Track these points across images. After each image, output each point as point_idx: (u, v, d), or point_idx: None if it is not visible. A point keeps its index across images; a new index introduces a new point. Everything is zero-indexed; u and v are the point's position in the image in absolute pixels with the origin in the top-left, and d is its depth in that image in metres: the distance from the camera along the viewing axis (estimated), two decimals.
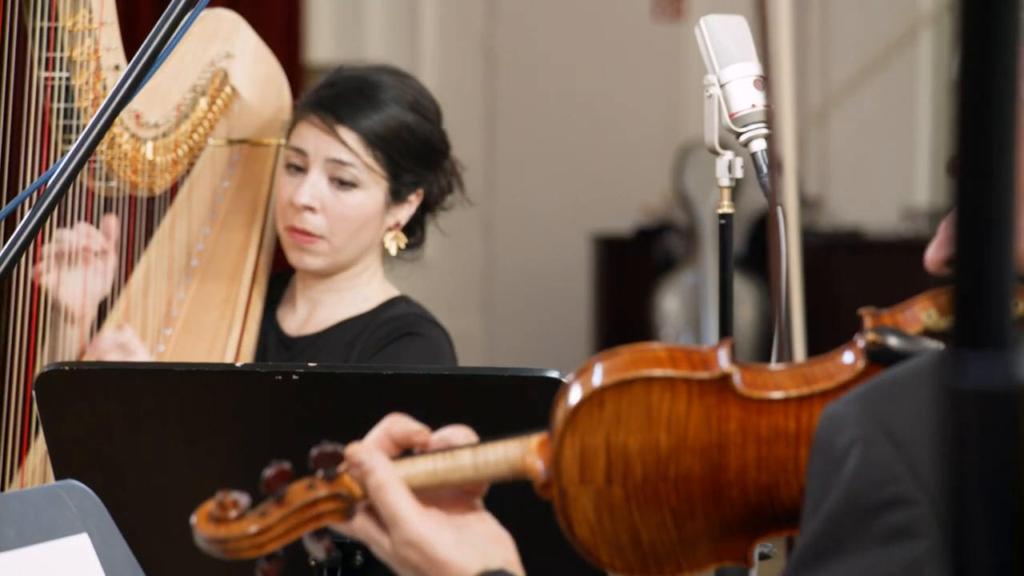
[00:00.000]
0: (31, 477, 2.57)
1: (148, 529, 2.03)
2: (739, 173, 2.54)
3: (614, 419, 1.30)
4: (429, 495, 1.37)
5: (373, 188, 2.60)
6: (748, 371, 1.32)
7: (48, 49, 2.51)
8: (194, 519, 1.37)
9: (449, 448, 1.38)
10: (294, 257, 2.64)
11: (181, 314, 2.70)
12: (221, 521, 1.36)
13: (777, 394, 1.30)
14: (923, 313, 1.32)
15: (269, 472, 1.36)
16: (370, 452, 1.37)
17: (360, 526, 1.38)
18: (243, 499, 1.37)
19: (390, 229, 2.67)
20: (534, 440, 1.35)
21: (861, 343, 1.32)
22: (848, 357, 1.33)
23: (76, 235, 2.59)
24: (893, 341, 1.31)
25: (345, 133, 2.58)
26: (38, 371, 2.49)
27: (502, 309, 8.84)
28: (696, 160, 7.77)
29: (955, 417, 0.84)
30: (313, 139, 2.59)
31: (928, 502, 1.18)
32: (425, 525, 1.34)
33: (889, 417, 1.20)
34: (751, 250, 7.90)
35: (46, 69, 2.52)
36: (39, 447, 2.57)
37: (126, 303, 2.69)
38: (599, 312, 8.39)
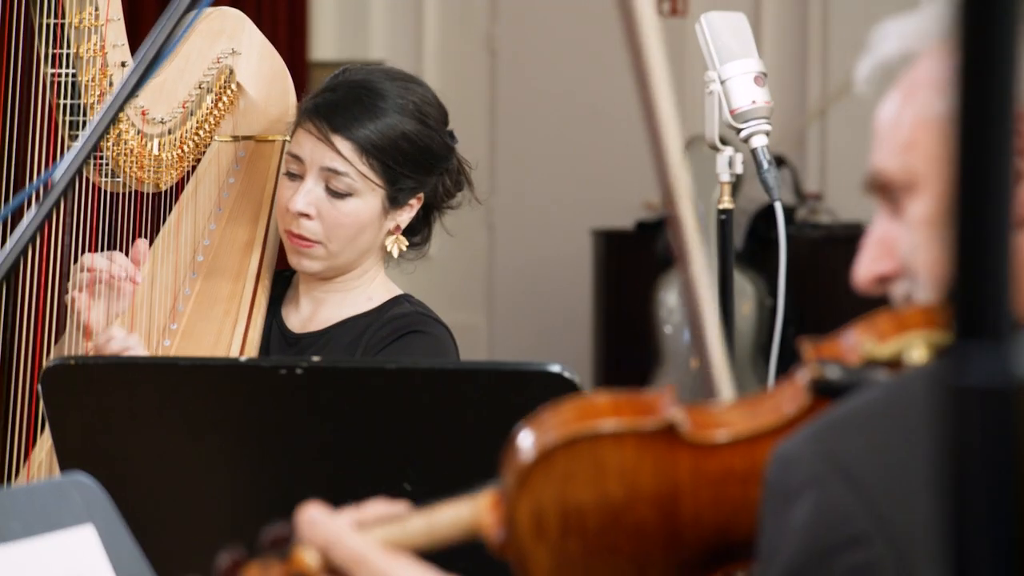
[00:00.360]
0: (37, 471, 2.57)
1: (153, 522, 2.04)
2: (739, 169, 2.56)
3: (565, 477, 1.29)
4: None
5: (369, 196, 2.60)
6: (694, 413, 1.31)
7: (54, 46, 2.52)
8: None
9: (398, 516, 1.36)
10: (293, 260, 2.66)
11: (186, 309, 2.71)
12: None
13: (725, 435, 1.29)
14: (864, 341, 1.30)
15: (224, 563, 1.35)
16: (317, 516, 1.35)
17: None
18: None
19: (391, 232, 2.67)
20: (483, 500, 1.34)
21: (804, 377, 1.30)
22: (792, 391, 1.31)
23: (106, 263, 2.60)
24: (835, 374, 1.29)
25: (340, 142, 2.57)
26: (44, 366, 2.50)
27: (505, 303, 8.84)
28: (697, 156, 7.77)
29: (954, 414, 0.84)
30: (309, 147, 2.59)
31: (885, 540, 1.16)
32: (392, 556, 1.33)
33: (842, 455, 1.19)
34: (751, 245, 7.90)
35: (52, 66, 2.53)
36: (45, 441, 2.58)
37: (132, 298, 2.70)
38: (601, 306, 8.39)
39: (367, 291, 2.69)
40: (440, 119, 2.67)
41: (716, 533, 1.30)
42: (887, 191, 1.39)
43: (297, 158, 2.60)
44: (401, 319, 2.65)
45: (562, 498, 1.29)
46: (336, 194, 2.58)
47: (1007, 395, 0.83)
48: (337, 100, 2.59)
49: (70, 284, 2.61)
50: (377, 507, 1.38)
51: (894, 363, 1.28)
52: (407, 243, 2.70)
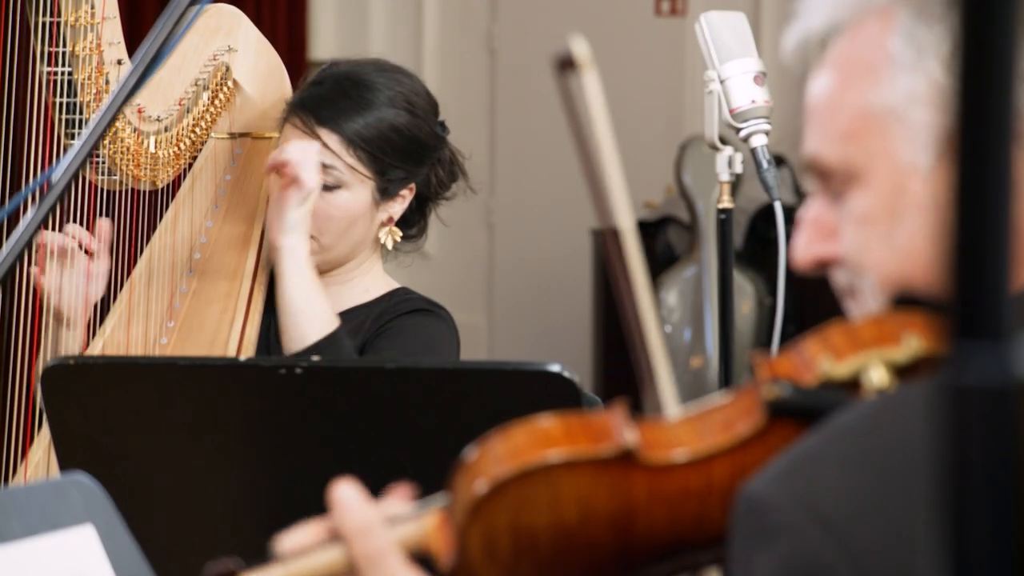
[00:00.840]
0: (34, 470, 2.57)
1: (153, 521, 2.04)
2: (739, 168, 2.56)
3: (517, 505, 1.27)
4: None
5: (358, 188, 2.59)
6: (647, 431, 1.29)
7: (50, 44, 2.52)
8: None
9: (338, 539, 1.34)
10: None
11: (184, 306, 2.71)
12: None
13: (679, 455, 1.27)
14: (818, 360, 1.28)
15: (212, 572, 1.34)
16: (356, 499, 1.33)
17: None
18: None
19: (384, 224, 2.66)
20: (429, 520, 1.32)
21: (759, 396, 1.28)
22: (746, 407, 1.29)
23: (60, 236, 2.59)
24: (792, 397, 1.27)
25: (326, 135, 2.57)
26: (40, 365, 2.50)
27: (505, 303, 8.85)
28: (696, 155, 7.77)
29: (954, 414, 0.84)
30: (296, 141, 2.59)
31: None
32: (410, 564, 1.31)
33: (815, 499, 1.15)
34: (750, 244, 7.91)
35: (48, 64, 2.53)
36: (43, 440, 2.57)
37: (129, 295, 2.70)
38: (601, 305, 8.39)
39: (363, 283, 2.69)
40: (430, 110, 2.67)
41: (670, 544, 1.29)
42: (824, 177, 1.37)
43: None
44: (409, 301, 2.66)
45: (515, 524, 1.28)
46: (325, 187, 2.57)
47: (1007, 395, 0.83)
48: (323, 93, 2.60)
49: (35, 268, 2.61)
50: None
51: (851, 384, 1.26)
52: (401, 234, 2.70)
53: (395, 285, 2.73)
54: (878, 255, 1.33)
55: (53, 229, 2.58)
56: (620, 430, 1.28)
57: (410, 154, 2.62)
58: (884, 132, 1.32)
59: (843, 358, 1.27)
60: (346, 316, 2.66)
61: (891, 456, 1.15)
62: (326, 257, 2.63)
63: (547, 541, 1.28)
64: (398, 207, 2.65)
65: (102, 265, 2.63)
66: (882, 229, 1.32)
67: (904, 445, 1.14)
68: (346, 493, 1.33)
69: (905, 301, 1.28)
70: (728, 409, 1.30)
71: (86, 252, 2.61)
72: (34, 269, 2.59)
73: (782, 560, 1.15)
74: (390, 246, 2.69)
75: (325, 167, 2.57)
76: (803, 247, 1.38)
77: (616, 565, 1.29)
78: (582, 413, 1.32)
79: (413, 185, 2.65)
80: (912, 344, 1.25)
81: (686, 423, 1.30)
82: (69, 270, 2.60)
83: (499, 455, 1.29)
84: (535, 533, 1.28)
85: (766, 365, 1.29)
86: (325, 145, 2.57)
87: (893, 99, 1.32)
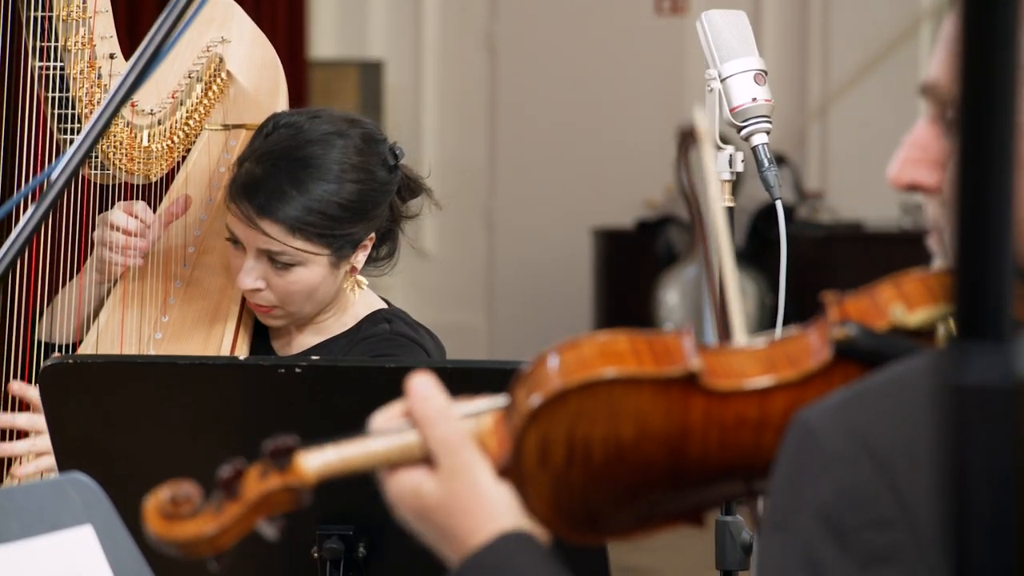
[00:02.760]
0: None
1: None
2: (739, 167, 2.55)
3: (577, 415, 1.29)
4: None
5: (313, 262, 2.52)
6: (712, 356, 1.31)
7: (42, 39, 2.51)
8: (146, 512, 1.34)
9: (400, 429, 1.37)
10: (259, 317, 2.63)
11: (178, 301, 2.70)
12: (175, 519, 1.34)
13: (742, 384, 1.29)
14: (891, 307, 1.29)
15: (227, 472, 1.35)
16: (434, 389, 1.35)
17: (401, 475, 1.35)
18: (195, 493, 1.35)
19: (348, 274, 2.61)
20: (488, 421, 1.35)
21: (827, 333, 1.29)
22: (815, 344, 1.30)
23: (134, 223, 2.61)
24: (861, 339, 1.28)
25: (268, 226, 2.49)
26: (43, 365, 2.49)
27: (505, 303, 8.85)
28: (697, 154, 7.77)
29: (955, 412, 0.84)
30: (241, 230, 2.52)
31: (907, 525, 1.15)
32: (481, 455, 1.34)
33: (870, 434, 1.17)
34: (751, 243, 7.91)
35: (40, 59, 2.52)
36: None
37: (123, 289, 2.69)
38: (601, 305, 8.40)
39: (341, 319, 2.65)
40: (379, 160, 2.57)
41: (720, 471, 1.31)
42: (942, 105, 1.35)
43: (234, 235, 2.55)
44: (370, 341, 2.61)
45: (572, 433, 1.30)
46: (279, 266, 2.52)
47: (1007, 394, 0.83)
48: (261, 177, 2.50)
49: (98, 241, 2.60)
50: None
51: (922, 334, 1.27)
52: (365, 283, 2.65)
53: (376, 306, 2.67)
54: None
55: (48, 227, 2.57)
56: (687, 353, 1.30)
57: (361, 218, 2.54)
58: None
59: (916, 308, 1.28)
60: (324, 348, 2.63)
61: None
62: (296, 318, 2.60)
63: (600, 453, 1.30)
64: (361, 257, 2.58)
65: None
66: None
67: None
68: (420, 381, 1.36)
69: None
70: (795, 344, 1.31)
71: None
72: (110, 255, 2.60)
73: (834, 489, 1.16)
74: (356, 295, 2.63)
75: (273, 252, 2.51)
76: (900, 167, 1.35)
77: (664, 483, 1.31)
78: (651, 332, 1.33)
79: (371, 236, 2.58)
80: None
81: (752, 353, 1.32)
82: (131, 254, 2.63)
83: (565, 365, 1.30)
84: (590, 444, 1.30)
85: (837, 305, 1.30)
86: (268, 235, 2.50)
87: None
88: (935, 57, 1.36)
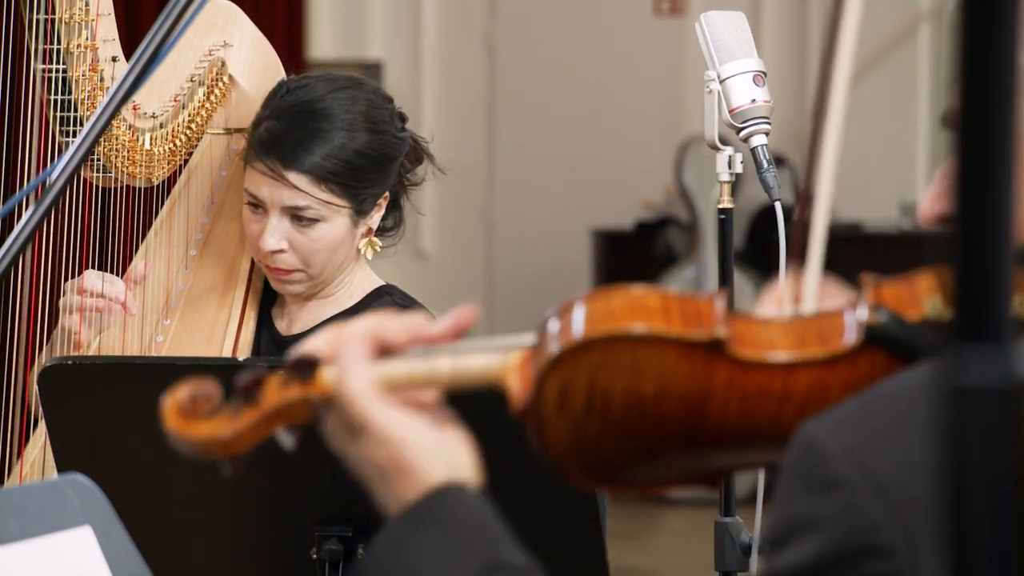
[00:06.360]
0: (30, 468, 2.57)
1: (150, 522, 2.04)
2: (739, 168, 2.55)
3: (599, 365, 1.30)
4: (402, 397, 1.36)
5: (335, 217, 2.56)
6: (741, 325, 1.30)
7: (45, 41, 2.51)
8: (164, 407, 1.36)
9: (428, 353, 1.37)
10: (276, 286, 2.64)
11: (179, 304, 2.70)
12: (192, 417, 1.35)
13: (768, 356, 1.29)
14: (927, 298, 1.28)
15: (247, 378, 1.35)
16: (353, 356, 1.34)
17: (330, 426, 1.36)
18: (216, 394, 1.36)
19: (364, 235, 2.64)
20: (514, 357, 1.35)
21: (860, 316, 1.29)
22: (847, 323, 1.30)
23: (99, 284, 2.57)
24: (891, 329, 1.27)
25: (295, 177, 2.52)
26: (37, 364, 2.49)
27: (504, 303, 8.84)
28: (696, 155, 7.78)
29: (954, 414, 0.84)
30: (266, 188, 2.54)
31: (908, 552, 1.14)
32: (399, 425, 1.33)
33: (873, 460, 1.17)
34: (751, 245, 7.91)
35: (43, 61, 2.52)
36: (39, 438, 2.57)
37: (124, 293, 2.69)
38: None
39: (349, 290, 2.68)
40: (387, 112, 2.63)
41: (735, 437, 1.30)
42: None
43: (256, 197, 2.56)
44: (387, 303, 2.64)
45: (592, 382, 1.30)
46: (304, 222, 2.55)
47: (1007, 395, 0.83)
48: (283, 131, 2.54)
49: (62, 303, 2.59)
50: (395, 330, 1.37)
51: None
52: (380, 244, 2.68)
53: (378, 283, 2.71)
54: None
55: (48, 228, 2.57)
56: (717, 318, 1.30)
57: (380, 170, 2.59)
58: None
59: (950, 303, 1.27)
60: (331, 324, 2.64)
61: None
62: (315, 282, 2.62)
63: (620, 406, 1.30)
64: (376, 217, 2.63)
65: (133, 308, 2.63)
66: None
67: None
68: (352, 346, 1.35)
69: None
70: (829, 321, 1.30)
71: (122, 306, 2.60)
72: (69, 317, 2.58)
73: (837, 514, 1.16)
74: (369, 256, 2.67)
75: (299, 207, 2.54)
76: (929, 200, 1.36)
77: (681, 443, 1.31)
78: (684, 292, 1.33)
79: (387, 194, 2.63)
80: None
81: (784, 326, 1.31)
82: (106, 319, 2.60)
83: (594, 314, 1.31)
84: (610, 396, 1.30)
85: (874, 289, 1.30)
86: (296, 188, 2.53)
87: None
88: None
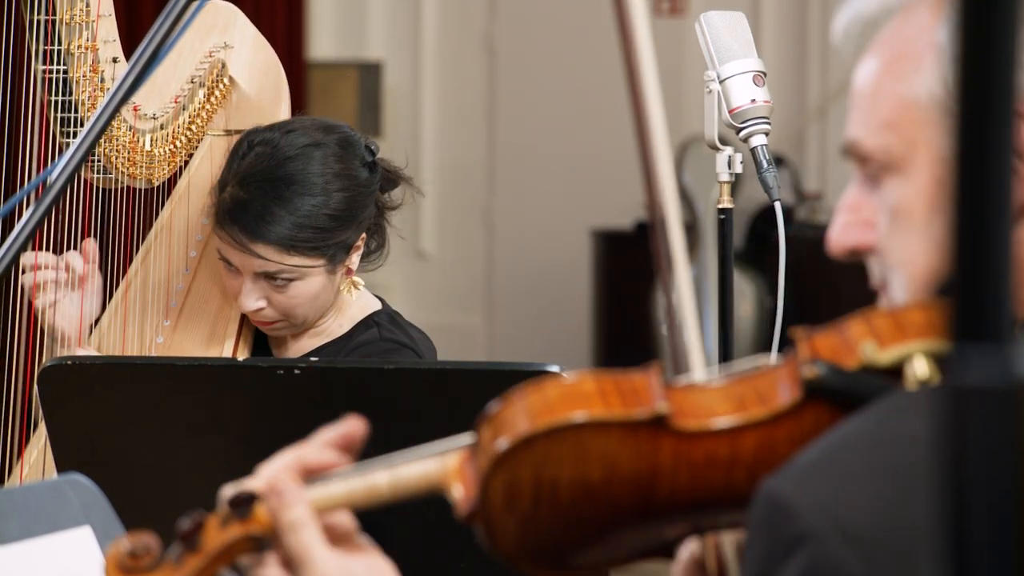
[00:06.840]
0: (30, 469, 2.57)
1: (150, 522, 2.04)
2: (738, 168, 2.55)
3: (543, 459, 1.28)
4: (333, 529, 1.34)
5: (310, 274, 2.54)
6: (680, 396, 1.29)
7: (46, 42, 2.52)
8: (105, 565, 1.33)
9: (362, 469, 1.35)
10: (262, 329, 2.65)
11: (179, 305, 2.71)
12: (134, 573, 1.33)
13: (712, 424, 1.27)
14: (862, 344, 1.26)
15: (187, 525, 1.34)
16: (289, 487, 1.33)
17: (267, 560, 1.34)
18: (154, 544, 1.34)
19: (345, 276, 2.62)
20: (452, 461, 1.33)
21: (798, 372, 1.27)
22: (783, 381, 1.28)
23: (49, 272, 2.57)
24: (831, 380, 1.26)
25: (262, 248, 2.50)
26: (41, 366, 2.49)
27: (504, 304, 8.84)
28: (696, 155, 7.78)
29: (954, 414, 0.84)
30: (235, 255, 2.53)
31: None
32: (335, 563, 1.32)
33: (839, 511, 1.15)
34: (750, 245, 7.91)
35: (44, 62, 2.53)
36: (39, 438, 2.57)
37: (125, 294, 2.69)
38: (600, 306, 8.39)
39: (339, 320, 2.66)
40: (359, 161, 2.57)
41: (689, 506, 1.29)
42: (864, 162, 1.36)
43: (227, 261, 2.55)
44: (359, 351, 2.61)
45: (538, 476, 1.28)
46: (279, 282, 2.53)
47: (1007, 395, 0.83)
48: (247, 201, 2.50)
49: (23, 280, 2.59)
50: (319, 451, 1.35)
51: (893, 372, 1.25)
52: (362, 283, 2.66)
53: (370, 309, 2.68)
54: (914, 247, 1.31)
55: (49, 229, 2.58)
56: (655, 394, 1.28)
57: (351, 220, 2.55)
58: (926, 123, 1.30)
59: (887, 345, 1.26)
60: (318, 353, 2.64)
61: (914, 468, 1.13)
62: (300, 327, 2.62)
63: (568, 494, 1.28)
64: (355, 258, 2.60)
65: (95, 283, 2.61)
66: (919, 221, 1.30)
67: (926, 456, 1.13)
68: (280, 477, 1.33)
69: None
70: (764, 380, 1.29)
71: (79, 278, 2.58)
72: (33, 298, 2.57)
73: (803, 569, 1.14)
74: (353, 296, 2.64)
75: (270, 273, 2.52)
76: (838, 233, 1.36)
77: (633, 521, 1.30)
78: (617, 372, 1.31)
79: (363, 234, 2.59)
80: None
81: (720, 390, 1.30)
82: (63, 294, 2.59)
83: (531, 408, 1.29)
84: (557, 486, 1.28)
85: (807, 342, 1.28)
86: (263, 257, 2.50)
87: (938, 90, 1.29)
88: (850, 115, 1.36)
